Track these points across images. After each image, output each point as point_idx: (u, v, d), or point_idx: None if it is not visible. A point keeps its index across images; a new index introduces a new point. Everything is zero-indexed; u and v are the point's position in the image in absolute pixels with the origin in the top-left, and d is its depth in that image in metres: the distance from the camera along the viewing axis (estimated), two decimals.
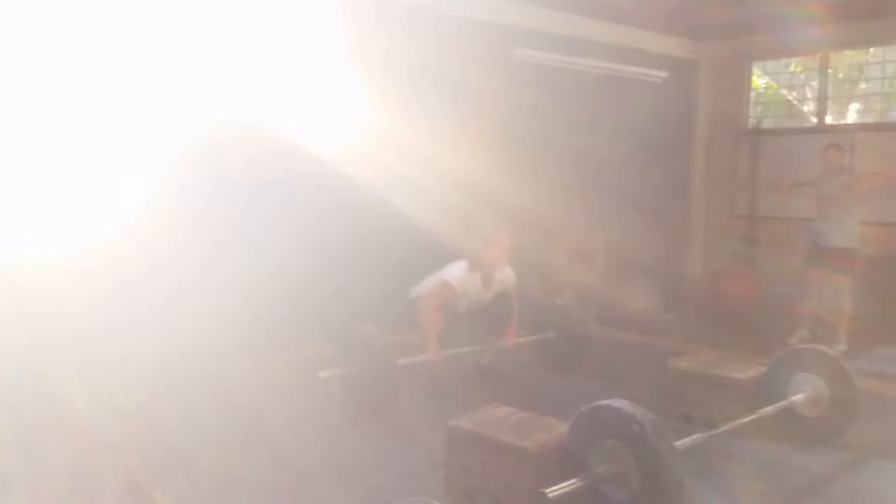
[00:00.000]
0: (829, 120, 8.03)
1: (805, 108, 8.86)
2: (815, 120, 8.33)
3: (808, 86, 8.95)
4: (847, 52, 8.01)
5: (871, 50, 7.95)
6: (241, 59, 5.11)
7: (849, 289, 6.19)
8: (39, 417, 3.94)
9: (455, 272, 4.68)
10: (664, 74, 8.08)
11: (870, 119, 7.98)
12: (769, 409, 3.79)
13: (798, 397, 3.89)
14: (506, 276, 4.91)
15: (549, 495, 2.76)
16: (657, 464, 2.83)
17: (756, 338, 6.57)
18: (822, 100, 7.94)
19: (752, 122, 8.37)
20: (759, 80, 8.81)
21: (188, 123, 5.01)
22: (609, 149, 7.58)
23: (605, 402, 3.05)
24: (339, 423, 4.12)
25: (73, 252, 4.54)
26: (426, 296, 4.57)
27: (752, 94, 8.66)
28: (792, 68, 8.95)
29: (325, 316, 5.19)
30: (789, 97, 8.87)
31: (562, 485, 2.86)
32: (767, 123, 8.33)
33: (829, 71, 7.97)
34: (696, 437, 3.34)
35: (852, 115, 8.48)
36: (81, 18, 4.59)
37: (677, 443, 2.99)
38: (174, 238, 4.80)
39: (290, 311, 5.36)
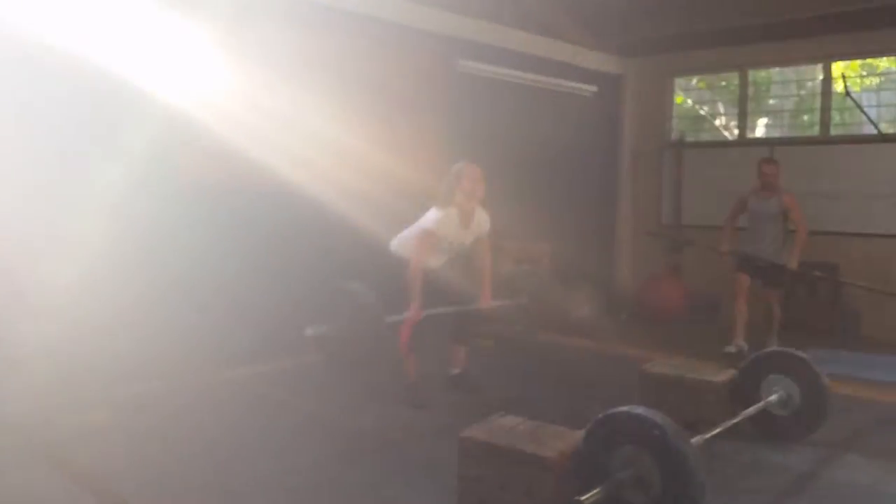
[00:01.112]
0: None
1: (717, 123, 9.37)
2: (726, 134, 8.83)
3: (719, 101, 9.48)
4: (760, 71, 8.51)
5: (777, 69, 8.51)
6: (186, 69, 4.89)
7: (778, 298, 6.56)
8: None
9: (429, 217, 4.54)
10: (594, 88, 8.35)
11: (775, 133, 8.52)
12: (751, 411, 3.97)
13: (772, 398, 4.09)
14: (482, 218, 4.75)
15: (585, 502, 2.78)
16: (681, 466, 2.90)
17: (688, 341, 6.87)
18: (742, 114, 8.34)
19: (675, 134, 8.75)
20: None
21: (130, 131, 4.77)
22: (544, 159, 7.76)
23: (621, 409, 3.10)
24: (321, 444, 3.98)
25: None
26: (411, 256, 4.45)
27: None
28: (694, 83, 9.43)
29: (280, 330, 5.03)
30: (701, 112, 9.34)
31: (590, 493, 2.88)
32: (687, 137, 8.72)
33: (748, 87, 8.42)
34: (697, 438, 3.44)
35: (761, 129, 9.02)
36: None
37: None
38: (116, 254, 4.53)
39: (241, 325, 5.16)
